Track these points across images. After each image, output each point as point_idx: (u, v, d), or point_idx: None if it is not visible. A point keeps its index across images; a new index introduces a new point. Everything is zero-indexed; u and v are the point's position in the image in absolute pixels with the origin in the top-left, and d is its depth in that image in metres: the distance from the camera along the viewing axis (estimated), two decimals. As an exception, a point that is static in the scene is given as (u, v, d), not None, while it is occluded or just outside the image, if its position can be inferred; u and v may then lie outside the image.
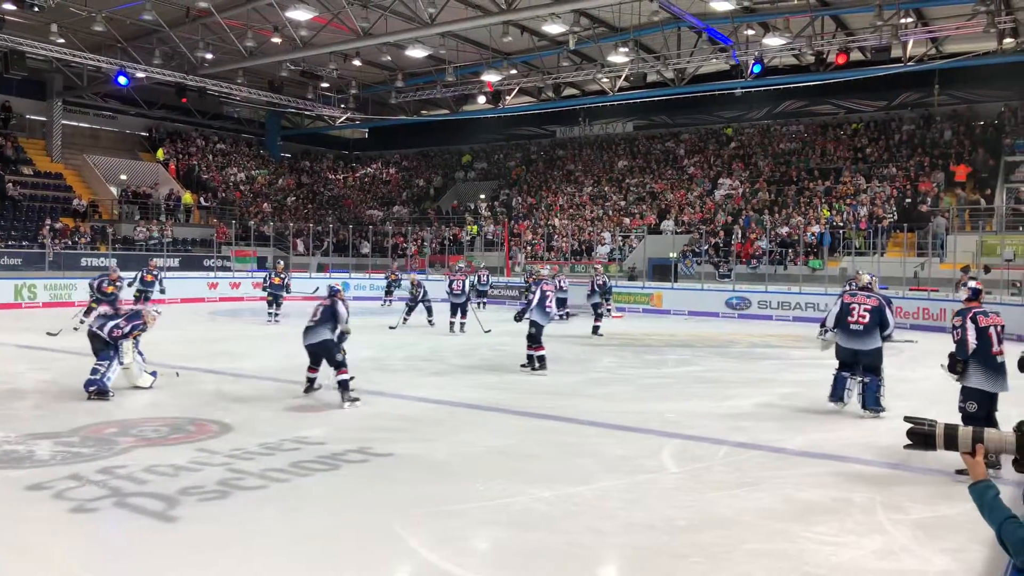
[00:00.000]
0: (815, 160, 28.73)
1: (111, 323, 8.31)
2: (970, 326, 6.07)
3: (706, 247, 25.43)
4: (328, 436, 6.64)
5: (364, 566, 4.10)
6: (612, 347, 14.30)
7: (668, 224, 27.99)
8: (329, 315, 8.41)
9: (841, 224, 24.16)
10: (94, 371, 8.08)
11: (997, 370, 6.04)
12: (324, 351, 8.31)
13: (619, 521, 4.75)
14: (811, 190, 26.77)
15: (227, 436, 6.59)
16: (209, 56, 26.81)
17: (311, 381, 8.69)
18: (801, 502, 5.18)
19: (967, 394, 6.09)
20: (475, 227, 32.04)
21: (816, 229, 24.27)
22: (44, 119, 31.23)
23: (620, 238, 28.63)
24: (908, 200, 24.32)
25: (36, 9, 21.37)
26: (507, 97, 30.58)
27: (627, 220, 29.60)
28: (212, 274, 25.72)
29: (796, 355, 13.39)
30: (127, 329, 8.33)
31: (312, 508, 4.88)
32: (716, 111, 32.11)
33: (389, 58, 27.84)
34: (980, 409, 6.00)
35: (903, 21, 20.34)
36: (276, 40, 25.20)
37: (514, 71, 28.65)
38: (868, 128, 29.06)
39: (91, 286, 15.21)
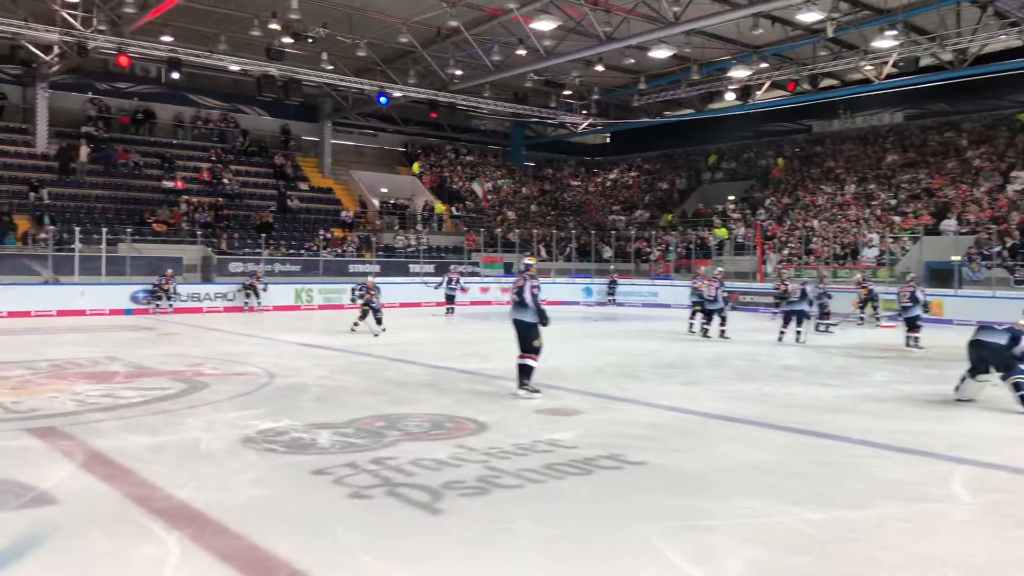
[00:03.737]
0: None
1: None
2: None
3: (997, 248, 22.62)
4: (579, 440, 6.76)
5: (622, 574, 4.09)
6: (884, 360, 13.17)
7: (949, 224, 25.28)
8: (522, 294, 8.86)
9: None
10: None
11: None
12: (523, 330, 8.83)
13: (902, 553, 4.34)
14: None
15: (483, 435, 6.93)
16: (459, 72, 28.61)
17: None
18: None
19: None
20: (723, 230, 31.10)
21: None
22: (316, 139, 35.13)
23: (890, 240, 26.33)
24: None
25: (310, 41, 24.17)
26: (757, 92, 29.40)
27: (898, 220, 27.16)
28: (463, 279, 27.28)
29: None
30: None
31: (567, 511, 4.97)
32: (1007, 94, 28.58)
33: (632, 61, 27.92)
34: None
35: None
36: (521, 52, 26.26)
37: (765, 64, 27.50)
38: None
39: (353, 291, 17.10)
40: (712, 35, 25.81)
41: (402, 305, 24.60)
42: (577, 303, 28.61)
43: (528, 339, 8.86)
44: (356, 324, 17.03)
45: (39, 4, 22.80)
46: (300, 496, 5.22)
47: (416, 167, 37.30)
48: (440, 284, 23.36)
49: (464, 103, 30.77)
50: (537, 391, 8.89)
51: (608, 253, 32.31)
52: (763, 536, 4.58)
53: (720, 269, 21.96)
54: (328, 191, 33.59)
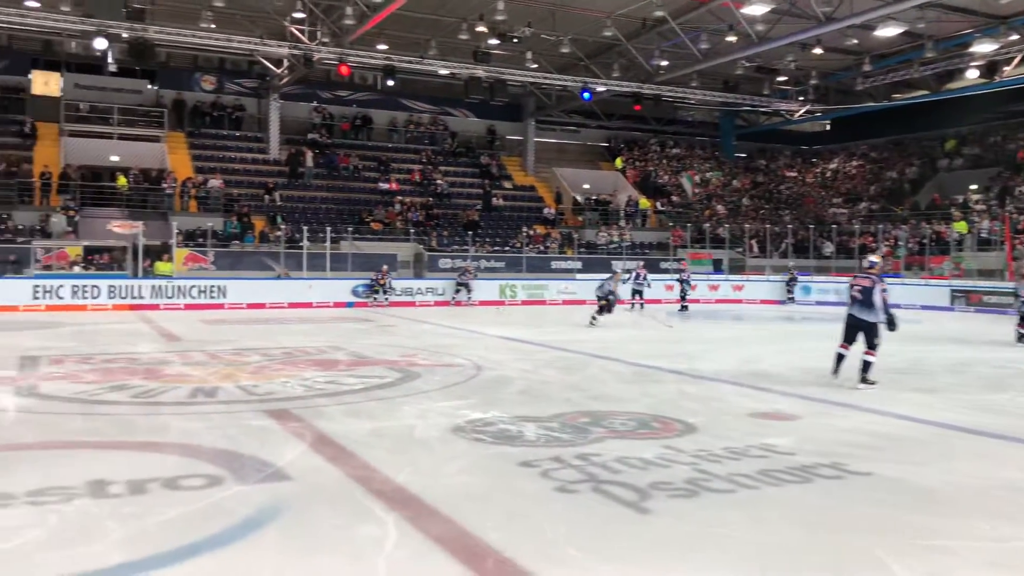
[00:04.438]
0: None
1: None
2: None
3: None
4: (797, 447, 6.44)
5: (846, 591, 3.86)
6: None
7: None
8: (869, 295, 9.26)
9: None
10: None
11: None
12: (867, 329, 9.35)
13: None
14: None
15: (691, 436, 6.80)
16: (664, 63, 28.20)
17: (841, 358, 9.65)
18: None
19: None
20: (963, 224, 28.31)
21: None
22: (520, 138, 36.07)
23: None
24: None
25: (515, 41, 24.90)
26: (1005, 68, 26.51)
27: None
28: (668, 276, 26.92)
29: None
30: None
31: (782, 519, 4.76)
32: None
33: (855, 41, 26.19)
34: None
35: None
36: (731, 39, 25.42)
37: (1015, 36, 24.72)
38: None
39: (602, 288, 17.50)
40: (950, 7, 23.57)
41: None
42: (792, 302, 27.29)
43: (871, 337, 9.43)
44: (595, 318, 17.63)
45: (272, 22, 25.25)
46: (508, 486, 5.39)
47: (619, 162, 37.24)
48: (627, 280, 23.14)
49: (670, 94, 30.30)
50: (875, 382, 9.42)
51: (829, 249, 30.48)
52: (1010, 561, 4.14)
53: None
54: (531, 189, 34.37)
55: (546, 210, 32.33)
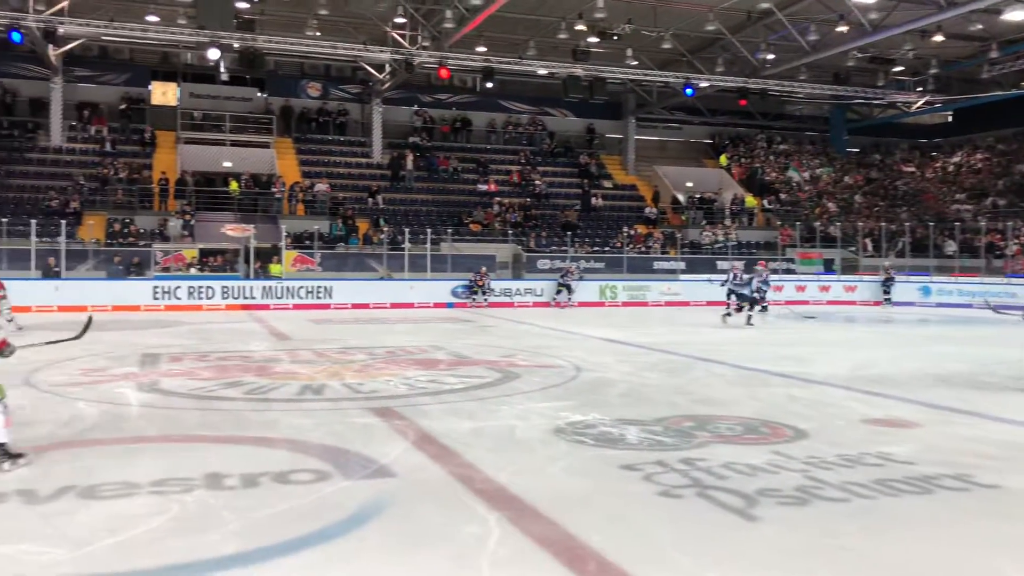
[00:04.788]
0: None
1: None
2: None
3: None
4: (917, 456, 6.15)
5: (973, 609, 3.67)
6: None
7: None
8: None
9: None
10: None
11: None
12: None
13: None
14: None
15: (802, 442, 6.58)
16: (770, 56, 27.47)
17: None
18: None
19: None
20: (1103, 220, 26.41)
21: None
22: (620, 136, 35.84)
23: None
24: None
25: (615, 38, 24.77)
26: None
27: None
28: (776, 277, 26.15)
29: None
30: None
31: (901, 531, 4.55)
32: None
33: (980, 26, 24.85)
34: None
35: None
36: (842, 29, 24.52)
37: None
38: None
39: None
40: (1090, -16, 22.04)
41: (708, 304, 24.20)
42: (912, 303, 26.00)
43: None
44: (729, 315, 17.78)
45: (374, 28, 25.97)
46: (610, 489, 5.36)
47: (724, 159, 36.46)
48: (726, 281, 22.52)
49: (777, 88, 29.47)
50: None
51: (951, 248, 28.94)
52: None
53: None
54: (631, 188, 34.07)
55: (647, 209, 31.97)
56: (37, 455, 5.87)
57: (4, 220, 22.19)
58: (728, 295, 22.42)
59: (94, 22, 23.71)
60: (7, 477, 5.38)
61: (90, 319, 6.95)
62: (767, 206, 33.34)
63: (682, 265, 27.63)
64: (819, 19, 24.90)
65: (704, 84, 28.54)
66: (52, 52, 25.74)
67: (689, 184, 33.98)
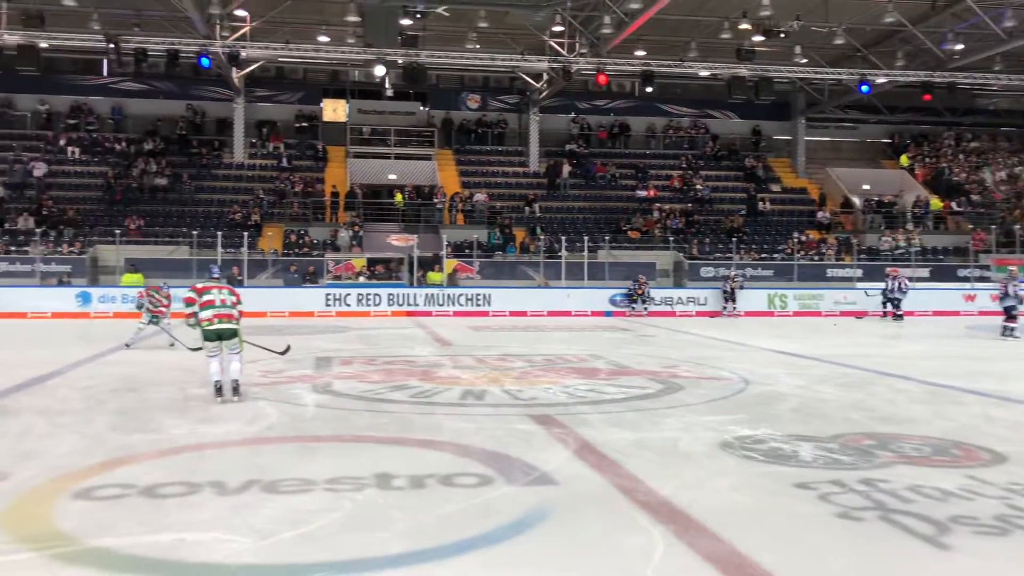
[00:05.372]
0: None
1: None
2: None
3: None
4: None
5: None
6: None
7: None
8: None
9: None
10: None
11: None
12: None
13: None
14: None
15: (1002, 466, 6.06)
16: (959, 47, 25.64)
17: None
18: None
19: None
20: None
21: None
22: (788, 138, 34.48)
23: None
24: None
25: (782, 36, 23.88)
26: None
27: None
28: (968, 285, 24.35)
29: None
30: None
31: (1125, 571, 4.09)
32: None
33: None
34: None
35: None
36: (1045, 10, 22.46)
37: None
38: None
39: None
40: None
41: (886, 314, 22.79)
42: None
43: None
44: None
45: (532, 38, 26.37)
46: (782, 508, 5.15)
47: (904, 159, 34.24)
48: (883, 290, 21.24)
49: (967, 81, 27.40)
50: None
51: None
52: None
53: None
54: (802, 191, 32.67)
55: (820, 213, 30.54)
56: (225, 450, 6.35)
57: (195, 232, 24.28)
58: (884, 303, 21.23)
59: (272, 45, 25.56)
60: (202, 467, 5.87)
61: (288, 348, 10.32)
62: (956, 208, 31.00)
63: (859, 273, 26.15)
64: (1016, 4, 22.95)
65: (882, 80, 26.98)
66: (235, 75, 27.95)
67: (866, 186, 32.16)
